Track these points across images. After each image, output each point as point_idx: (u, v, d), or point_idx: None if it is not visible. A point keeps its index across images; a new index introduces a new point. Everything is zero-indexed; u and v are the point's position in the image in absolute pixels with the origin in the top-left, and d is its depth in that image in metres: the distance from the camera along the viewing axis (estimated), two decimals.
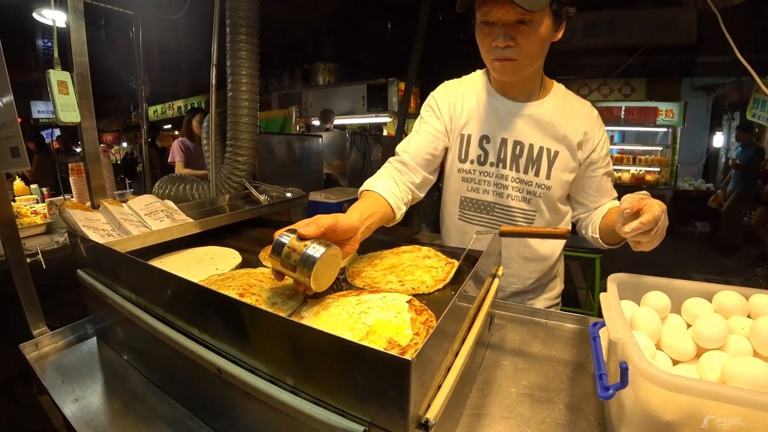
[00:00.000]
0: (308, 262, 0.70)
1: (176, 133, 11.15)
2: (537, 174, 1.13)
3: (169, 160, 3.80)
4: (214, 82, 2.38)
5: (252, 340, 0.58)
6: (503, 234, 0.92)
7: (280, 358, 0.55)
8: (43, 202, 2.58)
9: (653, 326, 0.72)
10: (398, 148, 1.18)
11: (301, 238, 0.73)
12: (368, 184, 1.07)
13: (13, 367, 1.01)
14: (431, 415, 0.49)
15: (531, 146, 1.13)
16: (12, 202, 2.47)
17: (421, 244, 1.08)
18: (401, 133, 4.88)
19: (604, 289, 0.78)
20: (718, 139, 7.71)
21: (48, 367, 0.92)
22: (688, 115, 7.21)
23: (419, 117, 1.23)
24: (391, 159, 1.18)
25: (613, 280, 0.80)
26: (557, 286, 1.33)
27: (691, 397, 0.50)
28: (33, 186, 2.88)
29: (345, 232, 0.82)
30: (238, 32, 2.30)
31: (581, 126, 1.13)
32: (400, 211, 1.07)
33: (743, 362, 0.58)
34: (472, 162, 1.17)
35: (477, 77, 1.21)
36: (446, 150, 1.21)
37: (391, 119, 6.71)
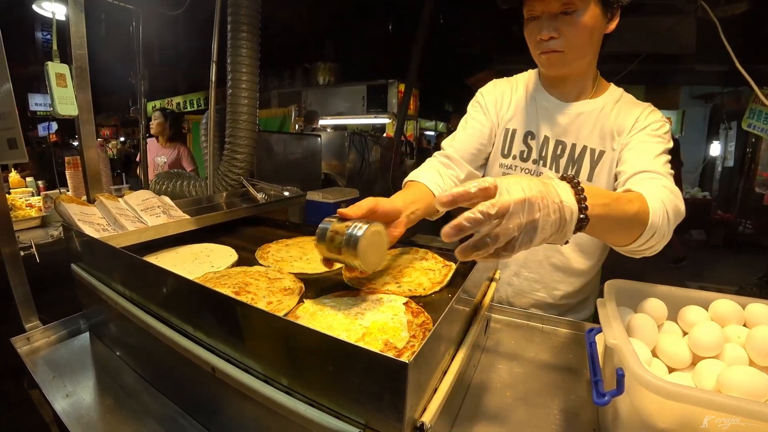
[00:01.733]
0: (352, 240, 0.70)
1: None
2: (577, 175, 1.07)
3: (183, 163, 3.72)
4: (214, 79, 2.37)
5: (246, 339, 0.57)
6: None
7: (275, 358, 0.55)
8: (39, 195, 2.57)
9: (650, 333, 0.72)
10: (444, 143, 1.16)
11: (343, 219, 0.74)
12: (412, 175, 1.06)
13: (5, 361, 1.00)
14: (427, 418, 0.49)
15: (573, 146, 1.08)
16: (7, 194, 2.47)
17: (419, 246, 1.08)
18: (400, 134, 4.87)
19: (602, 295, 0.78)
20: (715, 148, 7.77)
21: (39, 361, 0.91)
22: (686, 124, 7.26)
23: (466, 114, 1.20)
24: (435, 153, 1.15)
25: (611, 287, 0.80)
26: (588, 308, 1.23)
27: (687, 405, 0.50)
28: (29, 179, 2.86)
29: (386, 215, 0.82)
30: (240, 30, 2.29)
31: (631, 118, 1.02)
32: None
33: (739, 371, 0.58)
34: (514, 158, 1.14)
35: (529, 74, 1.17)
36: (491, 147, 1.17)
37: (390, 120, 6.71)
